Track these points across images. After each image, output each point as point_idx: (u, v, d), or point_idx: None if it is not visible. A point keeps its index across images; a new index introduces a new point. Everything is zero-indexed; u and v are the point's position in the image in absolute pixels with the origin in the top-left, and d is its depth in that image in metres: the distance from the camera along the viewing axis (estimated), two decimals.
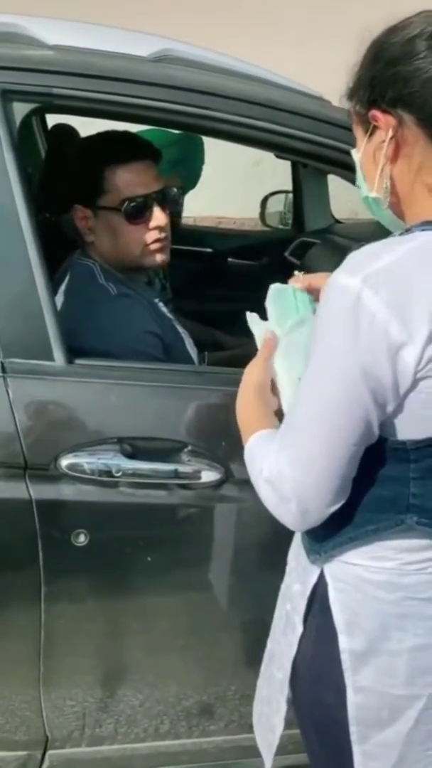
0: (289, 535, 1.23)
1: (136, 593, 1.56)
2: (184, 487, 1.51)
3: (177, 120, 1.61)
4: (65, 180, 1.80)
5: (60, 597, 1.51)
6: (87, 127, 1.99)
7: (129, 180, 1.70)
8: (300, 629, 1.18)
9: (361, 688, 1.13)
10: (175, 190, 1.89)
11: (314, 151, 1.60)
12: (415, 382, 0.98)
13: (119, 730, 1.63)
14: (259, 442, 1.13)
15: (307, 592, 1.17)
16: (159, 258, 1.76)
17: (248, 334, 1.30)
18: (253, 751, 1.70)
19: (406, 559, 1.09)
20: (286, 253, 2.93)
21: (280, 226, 3.39)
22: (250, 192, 4.08)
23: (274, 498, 1.08)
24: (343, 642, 1.12)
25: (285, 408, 1.18)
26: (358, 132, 1.10)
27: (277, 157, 2.54)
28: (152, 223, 1.72)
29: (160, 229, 1.73)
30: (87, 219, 1.73)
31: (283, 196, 3.40)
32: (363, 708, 1.13)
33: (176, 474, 1.49)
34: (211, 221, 4.87)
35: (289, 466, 1.05)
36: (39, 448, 1.45)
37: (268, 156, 2.46)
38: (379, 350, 0.96)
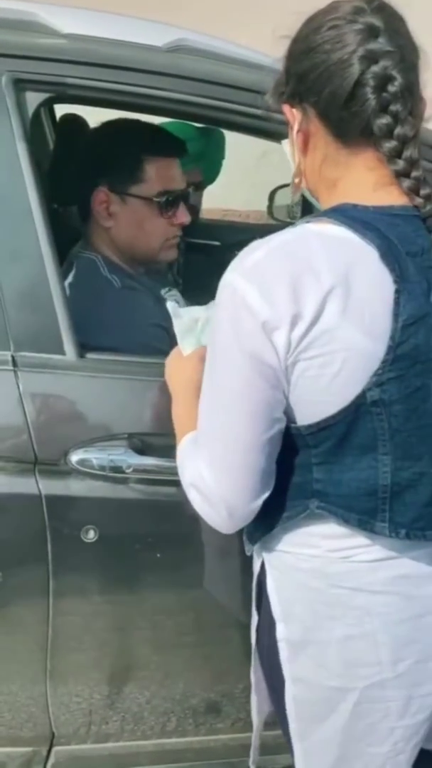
0: None
1: (144, 590, 1.55)
2: None
3: (190, 111, 1.59)
4: (81, 164, 1.78)
5: (68, 593, 1.50)
6: (96, 117, 1.97)
7: (168, 174, 1.73)
8: (256, 618, 1.22)
9: (297, 679, 1.14)
10: (191, 190, 1.92)
11: None
12: (290, 366, 1.01)
13: (125, 727, 1.62)
14: (186, 445, 1.15)
15: (255, 582, 1.21)
16: (172, 254, 1.79)
17: None
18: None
19: (329, 546, 1.10)
20: None
21: (288, 220, 3.37)
22: (256, 184, 4.06)
23: (200, 501, 1.11)
24: (280, 631, 1.15)
25: None
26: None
27: None
28: (177, 220, 1.74)
29: (181, 226, 1.75)
30: (109, 204, 1.71)
31: (289, 188, 3.37)
32: (300, 701, 1.15)
33: None
34: (217, 213, 4.84)
35: (207, 467, 1.08)
36: (49, 442, 1.44)
37: (274, 147, 2.44)
38: (256, 334, 1.00)
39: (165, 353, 1.63)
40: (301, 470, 1.08)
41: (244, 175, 5.11)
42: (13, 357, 1.43)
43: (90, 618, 1.53)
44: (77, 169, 1.79)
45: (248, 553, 1.21)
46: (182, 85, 1.50)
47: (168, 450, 1.47)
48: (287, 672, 1.14)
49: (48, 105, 2.27)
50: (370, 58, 1.00)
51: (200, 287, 2.74)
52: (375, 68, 1.00)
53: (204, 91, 1.51)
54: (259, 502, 1.09)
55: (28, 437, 1.42)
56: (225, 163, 2.79)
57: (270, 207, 3.40)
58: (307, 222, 1.05)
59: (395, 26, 1.03)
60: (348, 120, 1.03)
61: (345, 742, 1.13)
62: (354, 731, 1.13)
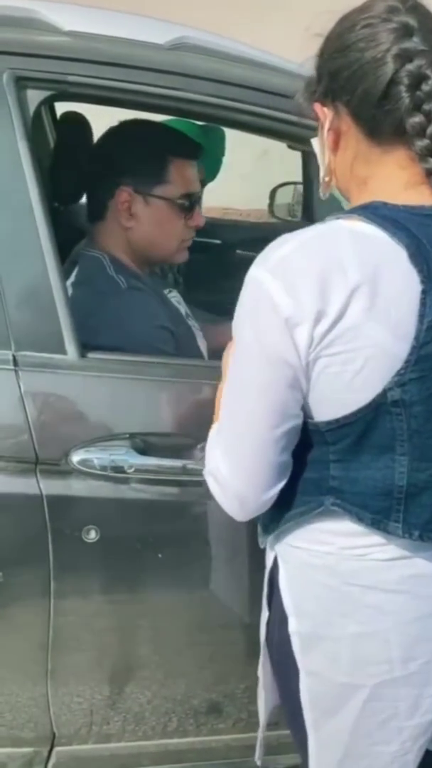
0: None
1: (146, 590, 1.54)
2: (196, 483, 1.49)
3: (192, 109, 1.59)
4: (98, 163, 1.77)
5: (69, 593, 1.49)
6: (98, 115, 1.96)
7: (192, 176, 1.75)
8: (266, 613, 1.22)
9: (310, 673, 1.15)
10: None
11: None
12: (312, 362, 1.01)
13: (127, 727, 1.62)
14: (212, 432, 1.17)
15: (267, 577, 1.21)
16: (185, 256, 1.81)
17: None
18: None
19: (342, 543, 1.10)
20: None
21: (289, 218, 3.36)
22: (256, 182, 4.05)
23: (216, 489, 1.13)
24: (292, 625, 1.15)
25: None
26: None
27: (290, 147, 2.51)
28: (193, 222, 1.76)
29: (197, 228, 1.77)
30: (131, 204, 1.70)
31: (290, 187, 3.37)
32: (314, 693, 1.15)
33: (188, 470, 1.47)
34: (217, 212, 4.84)
35: (222, 457, 1.10)
36: (50, 442, 1.43)
37: (275, 146, 2.43)
38: (277, 330, 1.00)
39: (169, 355, 1.64)
40: (318, 466, 1.09)
41: (245, 173, 5.11)
42: (14, 356, 1.43)
43: (91, 618, 1.53)
44: (91, 168, 1.77)
45: (261, 546, 1.21)
46: (184, 82, 1.50)
47: (169, 450, 1.48)
48: (301, 664, 1.15)
49: (49, 103, 2.26)
50: (405, 57, 1.00)
51: (201, 286, 2.75)
52: (409, 67, 1.00)
53: (206, 89, 1.50)
54: (272, 494, 1.09)
55: (29, 437, 1.42)
56: (225, 161, 2.79)
57: (271, 205, 3.40)
58: (337, 218, 1.05)
59: (429, 25, 1.02)
60: (381, 118, 1.02)
61: (354, 738, 1.14)
62: (363, 728, 1.13)
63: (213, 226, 3.21)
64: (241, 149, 3.23)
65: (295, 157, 3.12)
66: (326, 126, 1.08)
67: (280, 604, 1.17)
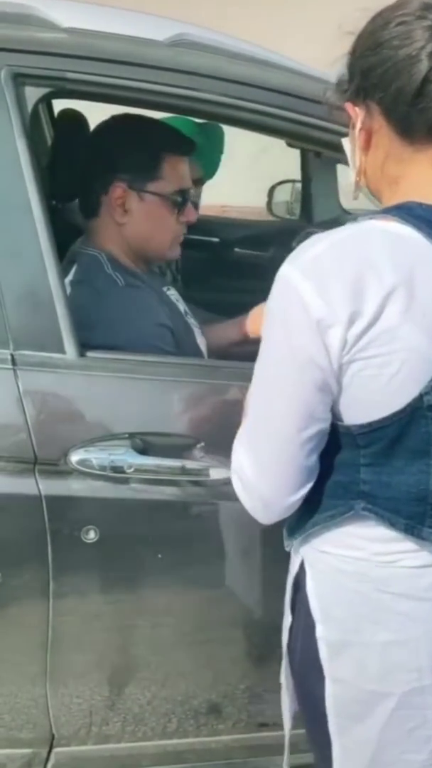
0: None
1: (145, 591, 1.53)
2: (196, 483, 1.49)
3: (192, 107, 1.58)
4: (90, 159, 1.75)
5: (68, 594, 1.48)
6: (95, 112, 1.95)
7: (183, 172, 1.74)
8: (290, 618, 1.20)
9: (337, 679, 1.13)
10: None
11: (332, 140, 1.56)
12: (345, 365, 0.99)
13: (126, 728, 1.61)
14: (239, 431, 1.15)
15: (291, 582, 1.19)
16: (178, 252, 1.80)
17: None
18: (261, 750, 1.70)
19: (374, 549, 1.09)
20: (294, 244, 2.88)
21: (287, 216, 3.36)
22: (254, 180, 4.04)
23: (240, 490, 1.11)
24: (320, 631, 1.13)
25: None
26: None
27: (288, 145, 2.50)
28: (185, 217, 1.74)
29: (188, 223, 1.76)
30: (125, 200, 1.69)
31: (288, 185, 3.36)
32: (340, 699, 1.13)
33: (188, 470, 1.47)
34: (215, 210, 4.82)
35: (247, 457, 1.08)
36: (49, 442, 1.42)
37: (273, 143, 2.42)
38: (307, 332, 0.98)
39: (169, 353, 1.63)
40: (348, 470, 1.07)
41: (243, 171, 5.09)
42: (12, 356, 1.42)
43: (90, 619, 1.52)
44: (85, 164, 1.76)
45: (287, 549, 1.19)
46: (183, 79, 1.48)
47: (169, 450, 1.47)
48: (327, 671, 1.13)
49: (47, 100, 2.25)
50: None
51: (199, 283, 2.73)
52: None
53: (206, 85, 1.49)
54: (297, 497, 1.08)
55: (27, 437, 1.41)
56: (223, 158, 2.77)
57: (269, 203, 3.40)
58: (371, 218, 1.03)
59: None
60: (414, 117, 1.01)
61: (381, 745, 1.12)
62: (391, 736, 1.12)
63: (211, 224, 3.21)
64: (239, 147, 3.22)
65: (294, 155, 3.12)
66: (358, 125, 1.06)
67: (306, 609, 1.14)
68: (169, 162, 1.70)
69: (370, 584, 1.09)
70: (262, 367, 1.07)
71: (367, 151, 1.08)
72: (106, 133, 1.77)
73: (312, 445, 1.05)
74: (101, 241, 1.73)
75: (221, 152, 2.53)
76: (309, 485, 1.08)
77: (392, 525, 1.06)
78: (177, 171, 1.72)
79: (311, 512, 1.10)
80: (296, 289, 0.99)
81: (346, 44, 1.07)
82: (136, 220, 1.71)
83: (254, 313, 1.87)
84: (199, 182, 2.48)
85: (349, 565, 1.10)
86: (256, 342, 1.56)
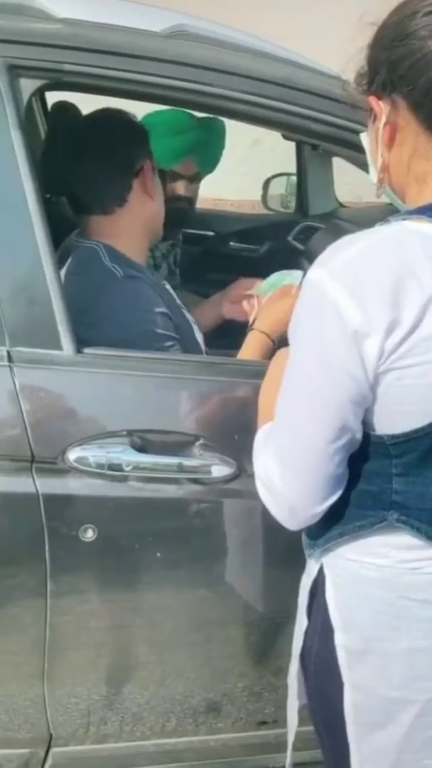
0: (300, 531, 1.19)
1: (144, 589, 1.52)
2: (195, 481, 1.47)
3: (189, 99, 1.55)
4: (108, 154, 1.74)
5: (66, 593, 1.47)
6: (90, 105, 1.93)
7: None
8: (305, 623, 1.17)
9: (357, 686, 1.11)
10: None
11: (331, 132, 1.55)
12: (381, 375, 0.96)
13: (124, 727, 1.60)
14: (261, 437, 1.13)
15: (309, 586, 1.16)
16: None
17: None
18: (259, 749, 1.69)
19: (400, 557, 1.07)
20: (290, 238, 2.86)
21: (282, 209, 3.33)
22: (248, 173, 4.02)
23: (267, 497, 1.08)
24: (339, 638, 1.11)
25: None
26: (369, 117, 1.08)
27: (285, 137, 2.48)
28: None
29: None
30: (151, 181, 1.73)
31: (284, 178, 3.34)
32: (359, 706, 1.11)
33: (187, 468, 1.45)
34: (209, 203, 4.79)
35: (274, 464, 1.05)
36: (46, 440, 1.40)
37: (267, 135, 2.39)
38: (343, 342, 0.95)
39: (174, 340, 1.61)
40: (378, 479, 1.04)
41: (237, 164, 5.06)
42: (8, 352, 1.39)
43: (88, 618, 1.50)
44: (100, 159, 1.73)
45: (308, 556, 1.16)
46: (181, 71, 1.46)
47: (167, 447, 1.46)
48: (346, 678, 1.11)
49: (41, 92, 2.22)
50: None
51: (193, 277, 2.71)
52: None
53: (203, 78, 1.47)
54: (325, 506, 1.05)
55: (24, 435, 1.39)
56: None
57: (264, 196, 3.37)
58: (403, 219, 0.99)
59: None
60: None
61: (403, 752, 1.11)
62: (413, 742, 1.10)
63: (205, 218, 3.18)
64: (234, 139, 3.20)
65: (289, 148, 3.09)
66: (382, 120, 1.02)
67: (323, 615, 1.12)
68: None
69: (395, 592, 1.07)
70: (292, 375, 1.03)
71: (390, 147, 1.03)
72: (117, 128, 1.75)
73: (343, 455, 1.03)
74: (102, 234, 1.70)
75: (222, 147, 2.50)
76: (338, 494, 1.05)
77: (429, 537, 1.04)
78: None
79: (335, 521, 1.08)
80: (330, 297, 0.95)
81: (365, 37, 1.03)
82: (158, 197, 1.75)
83: (231, 292, 1.95)
84: (195, 177, 2.45)
85: (373, 572, 1.08)
86: (233, 323, 1.58)
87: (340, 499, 1.06)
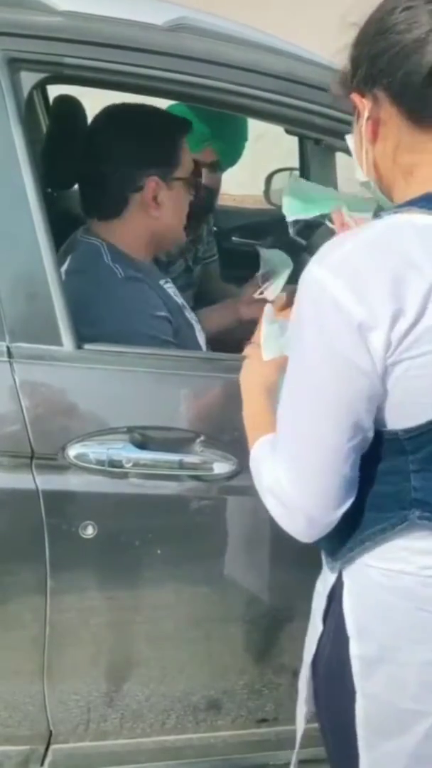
0: None
1: (144, 586, 1.52)
2: (195, 478, 1.47)
3: (191, 93, 1.54)
4: (112, 154, 1.70)
5: (66, 590, 1.46)
6: (91, 98, 1.92)
7: (188, 153, 1.76)
8: (320, 628, 1.16)
9: (369, 695, 1.09)
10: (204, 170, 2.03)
11: (334, 127, 1.53)
12: (390, 367, 0.96)
13: (124, 724, 1.59)
14: (263, 448, 1.10)
15: (326, 592, 1.14)
16: (185, 233, 1.83)
17: None
18: (260, 746, 1.69)
19: (423, 563, 1.05)
20: (292, 233, 2.85)
21: None
22: (251, 168, 4.00)
23: (277, 508, 1.05)
24: (354, 647, 1.09)
25: None
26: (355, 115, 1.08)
27: (287, 132, 2.45)
28: (194, 192, 1.80)
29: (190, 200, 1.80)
30: (159, 193, 1.68)
31: (286, 172, 3.32)
32: (371, 715, 1.10)
33: (188, 465, 1.45)
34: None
35: (286, 474, 1.03)
36: (46, 436, 1.40)
37: (269, 130, 2.37)
38: (348, 337, 0.94)
39: (170, 344, 1.60)
40: (397, 478, 1.02)
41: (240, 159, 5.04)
42: (8, 348, 1.39)
43: (88, 615, 1.50)
44: (103, 169, 1.69)
45: (327, 566, 1.14)
46: (183, 65, 1.45)
47: (168, 444, 1.45)
48: (359, 687, 1.09)
49: (42, 86, 2.21)
50: None
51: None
52: None
53: (205, 71, 1.46)
54: (341, 511, 1.03)
55: (24, 431, 1.38)
56: None
57: (267, 191, 3.35)
58: (395, 212, 1.00)
59: None
60: (424, 101, 0.98)
61: (414, 762, 1.09)
62: (425, 753, 1.09)
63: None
64: None
65: (292, 142, 3.08)
66: (365, 115, 1.03)
67: (338, 623, 1.11)
68: (182, 146, 1.72)
69: (414, 602, 1.05)
70: (298, 378, 1.01)
71: (374, 143, 1.04)
72: (117, 126, 1.72)
73: (355, 456, 1.01)
74: (107, 234, 1.69)
75: (245, 139, 2.47)
76: (352, 499, 1.03)
77: None
78: (186, 152, 1.74)
79: (353, 529, 1.06)
80: (330, 293, 0.95)
81: (349, 36, 1.04)
82: (166, 211, 1.70)
83: (245, 295, 1.90)
84: (214, 166, 2.42)
85: (393, 580, 1.06)
86: (248, 325, 1.56)
87: (353, 506, 1.04)
